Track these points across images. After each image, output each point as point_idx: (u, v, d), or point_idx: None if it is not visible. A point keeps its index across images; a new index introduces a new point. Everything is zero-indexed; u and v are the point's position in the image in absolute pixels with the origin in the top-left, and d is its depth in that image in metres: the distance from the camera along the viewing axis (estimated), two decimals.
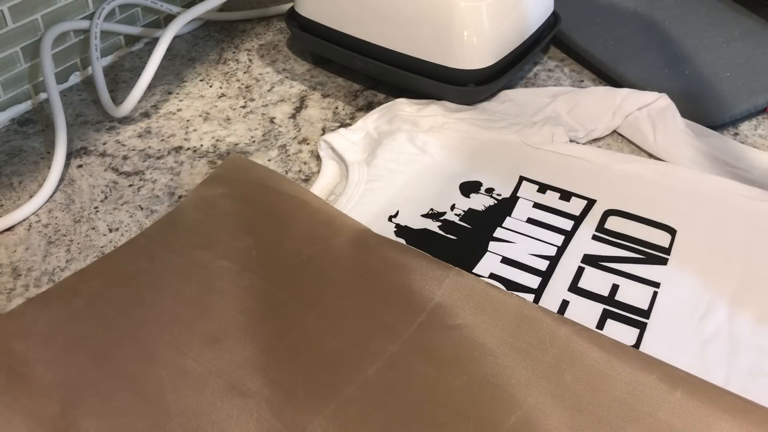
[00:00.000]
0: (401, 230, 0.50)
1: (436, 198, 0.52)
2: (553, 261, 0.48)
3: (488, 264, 0.48)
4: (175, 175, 0.56)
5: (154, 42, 0.66)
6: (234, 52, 0.70)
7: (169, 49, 0.64)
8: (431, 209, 0.51)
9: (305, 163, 0.57)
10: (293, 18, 0.65)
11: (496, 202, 0.52)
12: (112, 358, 0.42)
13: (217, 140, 0.60)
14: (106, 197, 0.55)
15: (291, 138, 0.60)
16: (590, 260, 0.48)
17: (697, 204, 0.51)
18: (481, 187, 0.53)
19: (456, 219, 0.51)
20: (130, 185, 0.56)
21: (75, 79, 0.66)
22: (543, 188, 0.53)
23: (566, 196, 0.52)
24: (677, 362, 0.41)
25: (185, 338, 0.43)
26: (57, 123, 0.58)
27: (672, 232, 0.49)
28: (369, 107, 0.63)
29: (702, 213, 0.50)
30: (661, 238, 0.49)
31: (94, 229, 0.52)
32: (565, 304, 0.45)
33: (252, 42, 0.71)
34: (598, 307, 0.45)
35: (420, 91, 0.61)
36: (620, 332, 0.44)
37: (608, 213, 0.51)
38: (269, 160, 0.58)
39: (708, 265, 0.47)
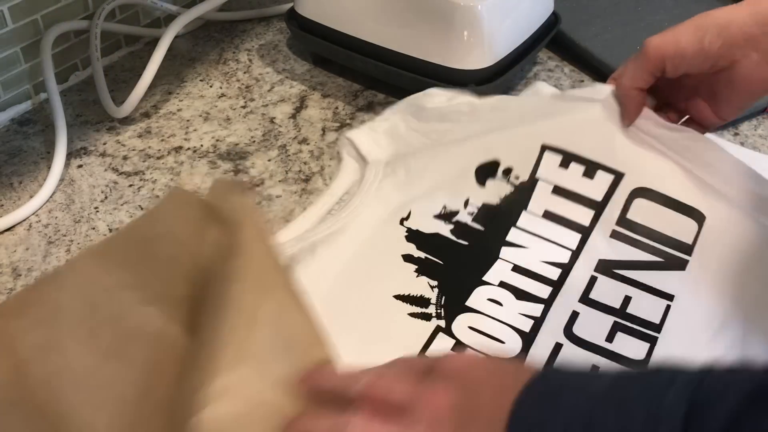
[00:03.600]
0: (412, 235, 0.49)
1: (450, 190, 0.50)
2: (566, 269, 0.47)
3: (499, 272, 0.47)
4: (175, 175, 0.56)
5: (154, 42, 0.66)
6: (234, 52, 0.70)
7: (169, 49, 0.64)
8: (444, 207, 0.50)
9: (305, 163, 0.57)
10: (293, 18, 0.65)
11: (513, 189, 0.49)
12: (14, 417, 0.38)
13: (217, 140, 0.60)
14: (106, 197, 0.55)
15: (291, 138, 0.60)
16: (604, 268, 0.47)
17: (729, 188, 0.48)
18: (499, 169, 0.50)
19: (469, 219, 0.49)
20: (130, 185, 0.56)
21: (75, 79, 0.66)
22: (567, 160, 0.49)
23: (591, 170, 0.49)
24: None
25: (100, 396, 0.39)
26: (57, 123, 0.58)
27: (700, 219, 0.47)
28: (369, 107, 0.63)
29: (733, 201, 0.48)
30: (686, 230, 0.47)
31: (94, 229, 0.52)
32: (575, 315, 0.45)
33: (252, 42, 0.71)
34: (609, 320, 0.44)
35: (420, 91, 0.61)
36: (630, 346, 0.43)
37: (635, 193, 0.48)
38: (269, 160, 0.58)
39: (727, 269, 0.46)
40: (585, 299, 0.45)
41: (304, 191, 0.55)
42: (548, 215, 0.49)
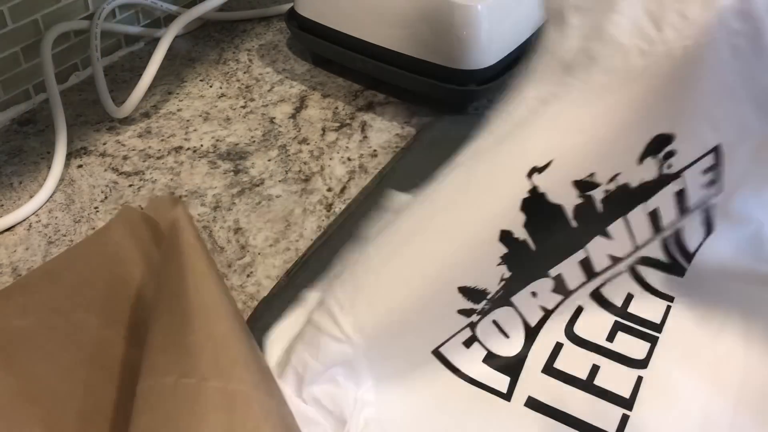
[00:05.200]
0: (533, 200, 0.38)
1: (607, 155, 0.38)
2: (614, 260, 0.44)
3: (568, 264, 0.42)
4: (175, 175, 0.56)
5: (154, 42, 0.66)
6: (234, 52, 0.70)
7: (169, 49, 0.64)
8: (591, 174, 0.38)
9: (305, 163, 0.57)
10: (293, 18, 0.65)
11: (656, 177, 0.40)
12: None
13: (217, 140, 0.60)
14: (106, 197, 0.55)
15: (291, 138, 0.60)
16: (634, 263, 0.44)
17: None
18: (667, 147, 0.39)
19: (599, 198, 0.39)
20: (130, 185, 0.56)
21: (75, 79, 0.66)
22: (714, 166, 0.40)
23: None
24: (687, 381, 0.41)
25: (58, 414, 0.37)
26: (57, 123, 0.58)
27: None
28: (369, 107, 0.63)
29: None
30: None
31: (93, 229, 0.52)
32: (578, 312, 0.44)
33: (252, 42, 0.71)
34: (611, 319, 0.44)
35: (420, 91, 0.61)
36: (631, 345, 0.42)
37: None
38: (269, 160, 0.58)
39: (725, 280, 0.45)
40: (595, 293, 0.44)
41: (304, 191, 0.55)
42: (652, 214, 0.41)
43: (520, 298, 0.42)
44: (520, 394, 0.41)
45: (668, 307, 0.44)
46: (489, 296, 0.41)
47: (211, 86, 0.66)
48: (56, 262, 0.46)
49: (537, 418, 0.40)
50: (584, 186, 0.39)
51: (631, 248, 0.43)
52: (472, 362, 0.42)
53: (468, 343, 0.42)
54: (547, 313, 0.43)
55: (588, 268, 0.43)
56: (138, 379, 0.36)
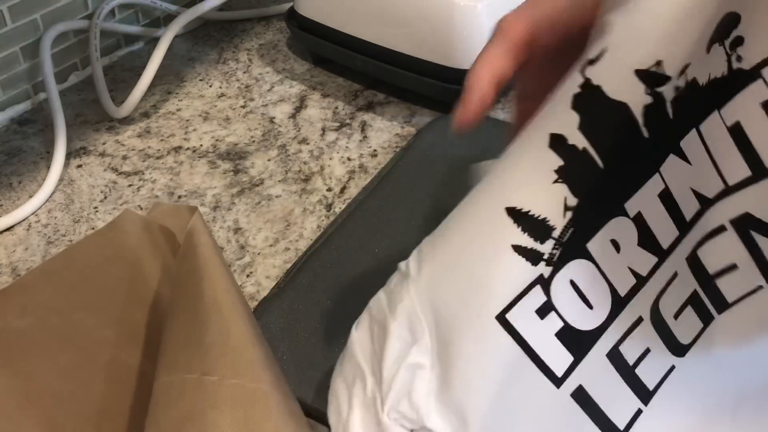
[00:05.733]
0: (587, 95, 0.30)
1: (672, 38, 0.29)
2: (704, 207, 0.31)
3: (644, 196, 0.31)
4: (174, 175, 0.56)
5: (153, 42, 0.66)
6: (234, 52, 0.70)
7: (168, 49, 0.64)
8: (658, 63, 0.29)
9: (305, 163, 0.57)
10: (293, 17, 0.65)
11: (727, 71, 0.28)
12: None
13: (217, 140, 0.60)
14: (105, 197, 0.55)
15: (291, 138, 0.60)
16: (744, 222, 0.31)
17: None
18: (735, 30, 0.28)
19: (671, 97, 0.29)
20: (130, 185, 0.56)
21: (75, 79, 0.66)
22: None
23: None
24: (705, 379, 0.35)
25: (58, 414, 0.38)
26: (56, 123, 0.58)
27: None
28: (369, 107, 0.63)
29: None
30: None
31: (93, 229, 0.52)
32: (672, 279, 0.33)
33: (252, 42, 0.71)
34: (690, 288, 0.32)
35: (420, 91, 0.61)
36: (687, 325, 0.33)
37: None
38: (269, 160, 0.58)
39: None
40: (691, 256, 0.31)
41: (304, 191, 0.55)
42: (736, 132, 0.29)
43: (598, 246, 0.32)
44: (572, 382, 0.33)
45: (758, 288, 0.31)
46: (556, 234, 0.31)
47: (210, 86, 0.65)
48: (55, 261, 0.46)
49: (575, 412, 0.33)
50: (651, 78, 0.29)
51: (719, 185, 0.30)
52: (544, 336, 0.33)
53: (543, 313, 0.32)
54: (640, 281, 0.33)
55: (674, 210, 0.32)
56: (154, 375, 0.36)
